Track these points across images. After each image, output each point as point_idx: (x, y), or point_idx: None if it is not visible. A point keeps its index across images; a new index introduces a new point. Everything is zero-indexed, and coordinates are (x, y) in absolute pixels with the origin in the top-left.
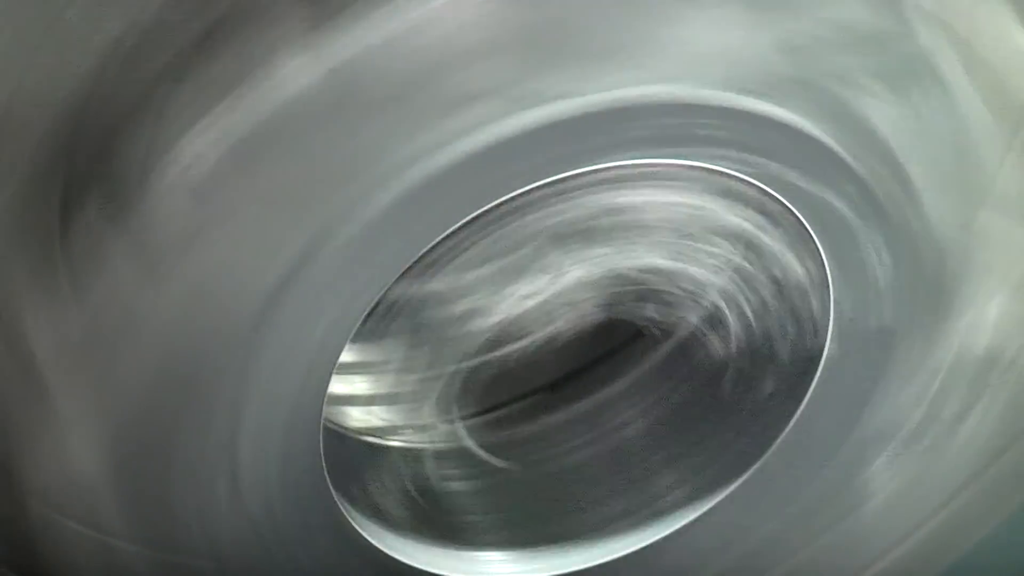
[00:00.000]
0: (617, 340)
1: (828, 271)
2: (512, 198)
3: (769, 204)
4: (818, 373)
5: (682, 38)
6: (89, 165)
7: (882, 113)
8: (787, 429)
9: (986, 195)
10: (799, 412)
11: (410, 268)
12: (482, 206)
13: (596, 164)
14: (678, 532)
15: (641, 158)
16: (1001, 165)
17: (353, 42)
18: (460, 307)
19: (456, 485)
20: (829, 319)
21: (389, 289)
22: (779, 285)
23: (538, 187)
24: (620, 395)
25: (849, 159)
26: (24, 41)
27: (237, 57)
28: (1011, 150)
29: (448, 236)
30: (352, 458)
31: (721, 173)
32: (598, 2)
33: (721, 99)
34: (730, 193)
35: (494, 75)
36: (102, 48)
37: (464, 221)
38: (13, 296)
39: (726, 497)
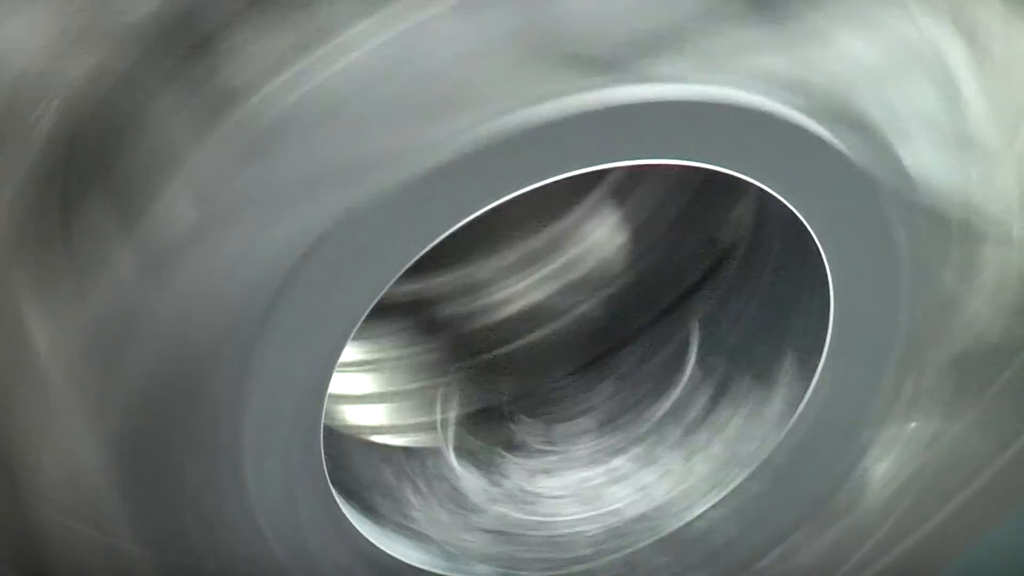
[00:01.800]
0: (616, 340)
1: (828, 268)
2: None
3: (768, 202)
4: (818, 372)
5: (685, 36)
6: (92, 165)
7: (882, 105)
8: (786, 429)
9: (987, 189)
10: (798, 411)
11: (413, 266)
12: (483, 206)
13: (600, 164)
14: (677, 532)
15: (640, 159)
16: (1003, 159)
17: (354, 46)
18: (462, 305)
19: (456, 484)
20: (829, 318)
21: (391, 287)
22: (777, 283)
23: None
24: (620, 393)
25: (849, 154)
26: (26, 40)
27: (239, 60)
28: (1012, 146)
29: (452, 234)
30: (352, 458)
31: (720, 173)
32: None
33: (720, 97)
34: (729, 191)
35: (495, 74)
36: (105, 48)
37: (467, 220)
38: (16, 296)
39: (725, 497)
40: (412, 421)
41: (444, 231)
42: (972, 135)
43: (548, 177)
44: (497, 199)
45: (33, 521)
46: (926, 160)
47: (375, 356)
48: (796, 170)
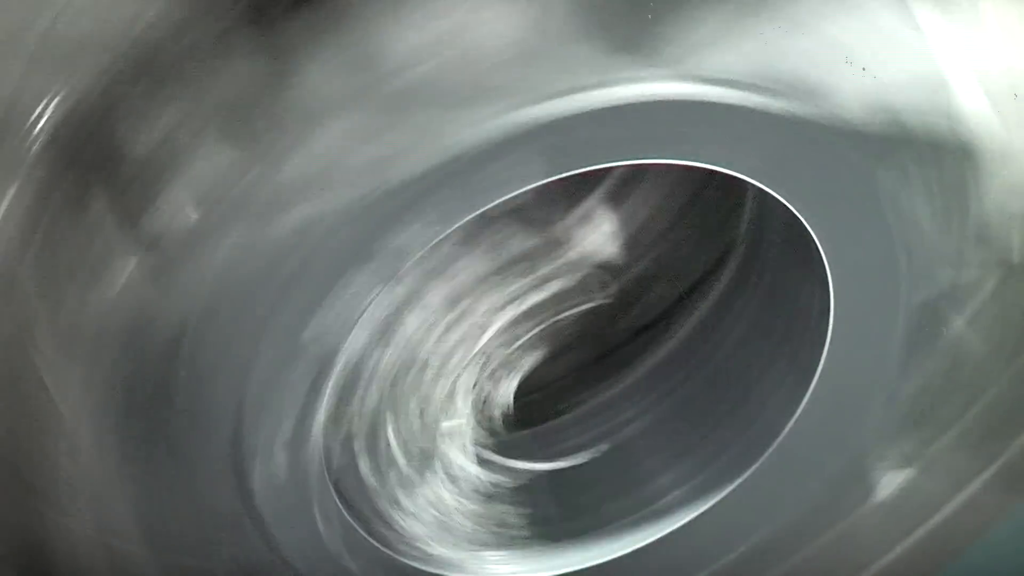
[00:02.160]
0: (617, 340)
1: (827, 267)
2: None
3: (768, 201)
4: (818, 372)
5: (683, 31)
6: (94, 166)
7: (876, 100)
8: (786, 429)
9: (987, 189)
10: (799, 411)
11: (412, 266)
12: (484, 205)
13: (597, 164)
14: (678, 532)
15: (639, 158)
16: (1002, 155)
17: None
18: (463, 305)
19: (455, 485)
20: (829, 318)
21: (391, 288)
22: (777, 282)
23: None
24: (620, 395)
25: (844, 151)
26: (28, 38)
27: (244, 60)
28: (1009, 139)
29: (451, 233)
30: (353, 458)
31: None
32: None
33: (727, 97)
34: (730, 190)
35: (498, 73)
36: (109, 47)
37: (466, 219)
38: (18, 297)
39: (726, 496)
40: (414, 422)
41: (442, 231)
42: (968, 129)
43: (549, 176)
44: (496, 198)
45: (34, 522)
46: (924, 156)
47: None
48: (794, 168)
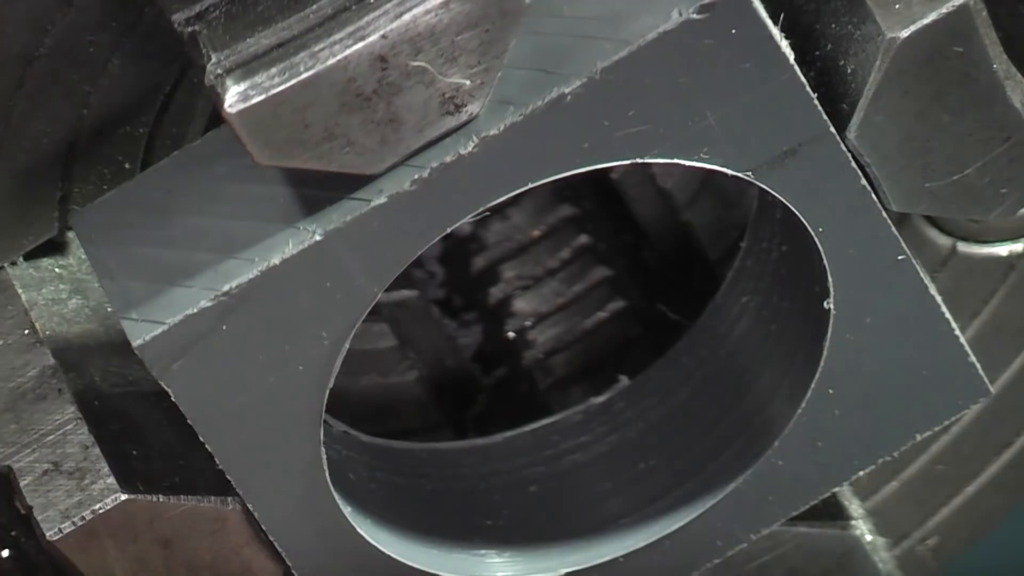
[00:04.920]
0: (615, 344)
1: (827, 265)
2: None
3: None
4: (820, 370)
5: None
6: (89, 166)
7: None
8: (787, 428)
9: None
10: (800, 409)
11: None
12: (484, 204)
13: (599, 163)
14: (678, 531)
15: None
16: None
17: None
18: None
19: (457, 485)
20: (830, 317)
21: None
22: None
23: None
24: (620, 397)
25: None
26: (28, 40)
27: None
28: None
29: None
30: (352, 458)
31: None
32: None
33: None
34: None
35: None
36: (106, 47)
37: (457, 224)
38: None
39: (726, 496)
40: (416, 423)
41: (443, 230)
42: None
43: (551, 175)
44: (495, 199)
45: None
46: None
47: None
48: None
